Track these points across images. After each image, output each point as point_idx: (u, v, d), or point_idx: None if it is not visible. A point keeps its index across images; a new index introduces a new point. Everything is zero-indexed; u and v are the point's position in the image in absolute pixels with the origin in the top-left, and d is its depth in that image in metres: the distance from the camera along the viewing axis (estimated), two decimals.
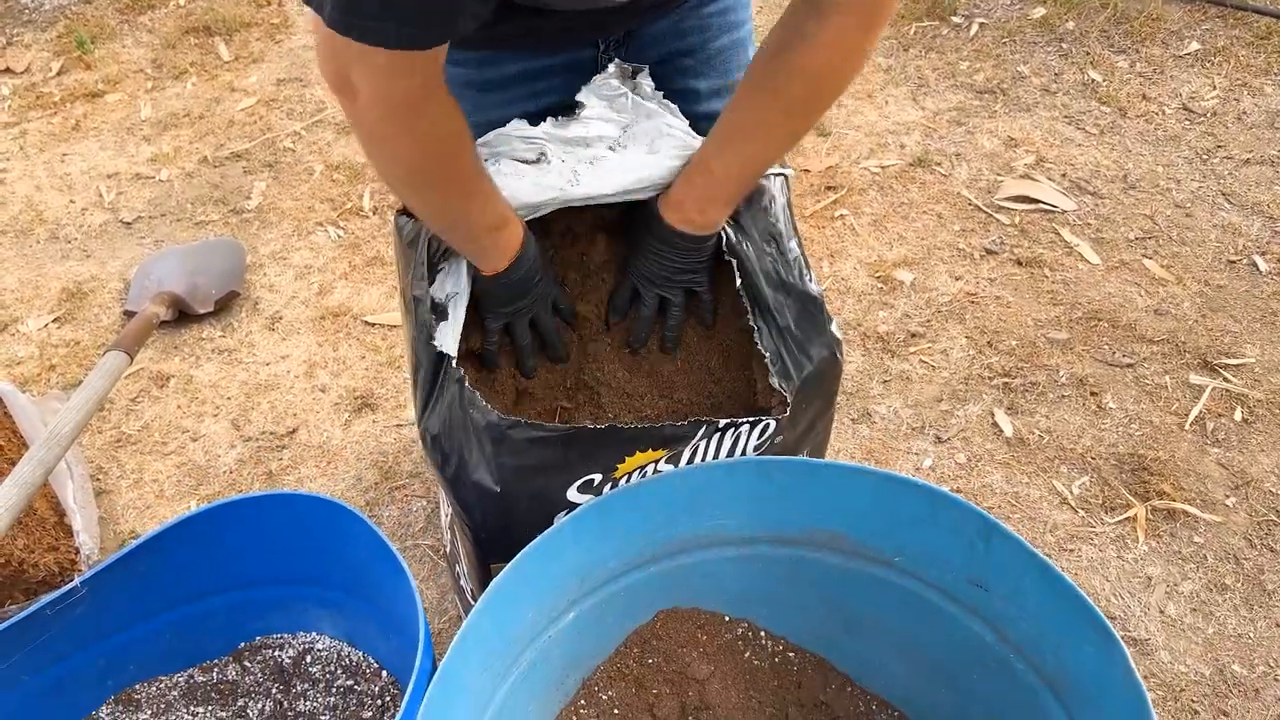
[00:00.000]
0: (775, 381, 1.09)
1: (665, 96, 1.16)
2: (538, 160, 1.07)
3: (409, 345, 1.14)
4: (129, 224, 2.42)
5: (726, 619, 1.25)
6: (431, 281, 1.11)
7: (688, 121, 1.14)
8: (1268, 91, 2.52)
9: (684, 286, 1.14)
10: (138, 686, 1.33)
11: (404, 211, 1.15)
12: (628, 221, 1.16)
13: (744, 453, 1.10)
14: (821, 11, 0.94)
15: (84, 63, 3.02)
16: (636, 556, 1.16)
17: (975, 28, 2.87)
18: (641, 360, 1.20)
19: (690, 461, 1.09)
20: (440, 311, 1.09)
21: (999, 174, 2.38)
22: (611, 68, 1.12)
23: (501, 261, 1.07)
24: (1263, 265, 2.08)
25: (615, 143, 1.09)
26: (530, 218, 1.09)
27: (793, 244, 1.14)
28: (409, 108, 0.89)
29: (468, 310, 1.09)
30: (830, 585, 1.19)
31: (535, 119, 1.18)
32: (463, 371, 1.04)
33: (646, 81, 1.13)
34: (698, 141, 1.10)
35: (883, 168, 2.43)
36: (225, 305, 2.14)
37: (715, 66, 1.23)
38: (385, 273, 2.23)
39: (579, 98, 1.12)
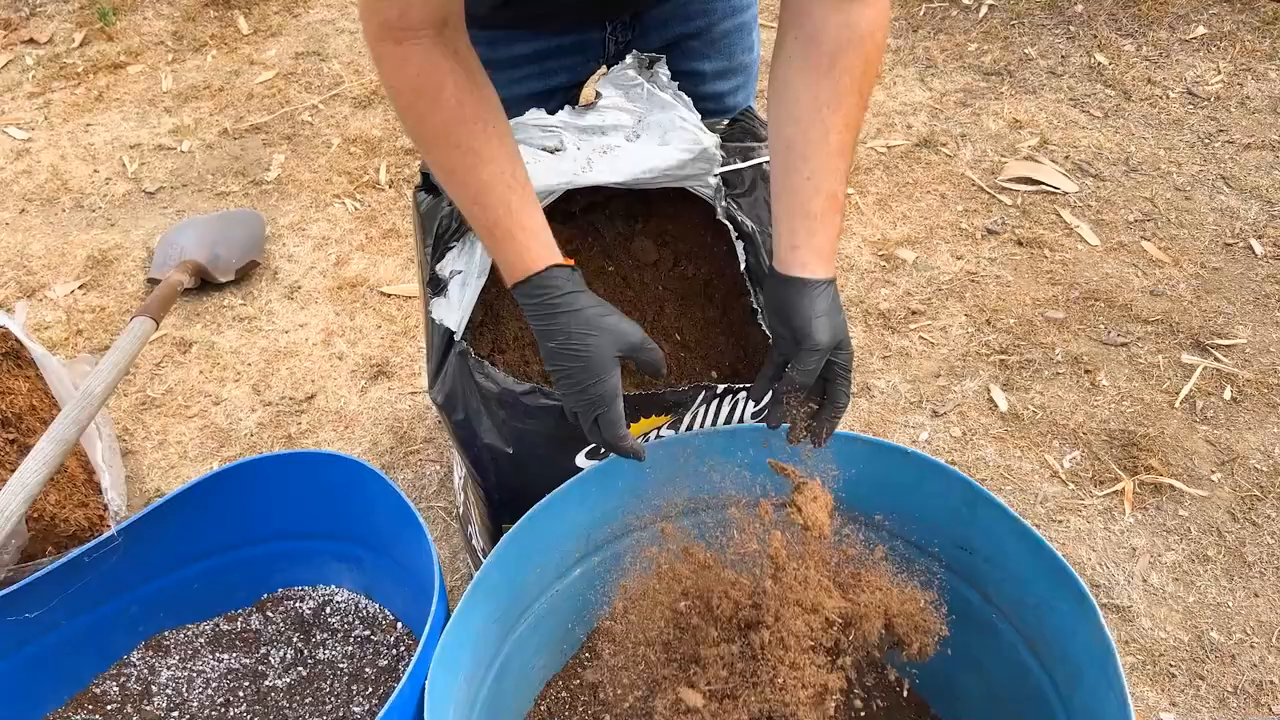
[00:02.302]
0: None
1: (671, 78, 1.20)
2: (555, 150, 1.12)
3: (424, 316, 1.20)
4: (152, 194, 2.48)
5: None
6: (441, 258, 1.16)
7: (697, 103, 1.19)
8: (1271, 76, 2.55)
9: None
10: (167, 633, 1.41)
11: (422, 187, 1.21)
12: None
13: (741, 420, 1.16)
14: None
15: (106, 34, 3.07)
16: (639, 517, 1.22)
17: (984, 9, 2.90)
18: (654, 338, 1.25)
19: (690, 426, 1.15)
20: (440, 287, 1.14)
21: (1003, 155, 2.43)
22: (629, 58, 1.16)
23: (511, 272, 0.98)
24: (1258, 249, 2.13)
25: (630, 133, 1.13)
26: (545, 202, 1.14)
27: None
28: (393, 34, 0.91)
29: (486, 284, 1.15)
30: None
31: (545, 98, 1.23)
32: (465, 344, 1.09)
33: (663, 71, 1.17)
34: (708, 138, 1.14)
35: (889, 148, 2.48)
36: (246, 274, 2.21)
37: (721, 49, 1.28)
38: (400, 244, 2.29)
39: (596, 88, 1.16)
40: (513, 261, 0.97)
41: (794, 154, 0.98)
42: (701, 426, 1.16)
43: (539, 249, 0.97)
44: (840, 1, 0.93)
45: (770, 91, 1.02)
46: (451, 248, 1.15)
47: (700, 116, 1.17)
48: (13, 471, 1.48)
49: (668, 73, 1.17)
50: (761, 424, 1.18)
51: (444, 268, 1.15)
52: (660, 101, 1.15)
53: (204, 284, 2.17)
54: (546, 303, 0.96)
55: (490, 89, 0.97)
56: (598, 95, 1.16)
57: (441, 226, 1.14)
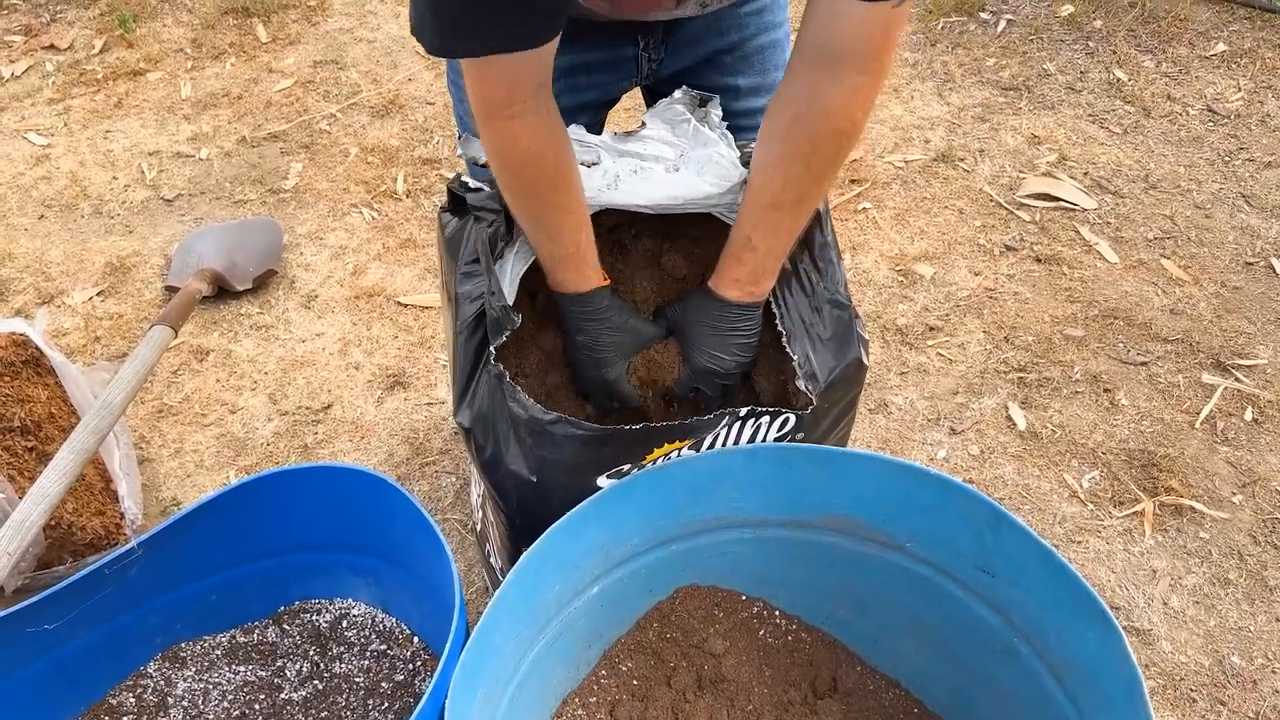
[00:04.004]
0: (802, 384, 1.13)
1: (706, 91, 1.19)
2: (592, 164, 1.11)
3: (448, 338, 1.19)
4: (170, 201, 2.49)
5: (743, 597, 1.31)
6: (467, 281, 1.15)
7: (730, 119, 1.18)
8: None
9: (741, 371, 1.19)
10: (184, 645, 1.41)
11: (446, 208, 1.20)
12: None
13: (765, 440, 1.15)
14: (837, 73, 0.97)
15: (125, 41, 3.09)
16: (658, 535, 1.22)
17: (1003, 24, 2.89)
18: (673, 365, 1.24)
19: (711, 447, 1.15)
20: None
21: (1021, 171, 2.42)
22: (679, 93, 1.16)
23: (563, 287, 1.15)
24: (1279, 268, 2.11)
25: (670, 165, 1.13)
26: None
27: (831, 255, 1.17)
28: (505, 110, 0.99)
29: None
30: (843, 568, 1.25)
31: (572, 114, 1.22)
32: (500, 366, 1.08)
33: (716, 111, 1.16)
34: (739, 173, 1.14)
35: (906, 162, 2.47)
36: (263, 283, 2.21)
37: (754, 64, 1.28)
38: (418, 255, 2.29)
39: (644, 118, 1.16)
40: (570, 281, 1.13)
41: (745, 192, 1.11)
42: (723, 447, 1.16)
43: (591, 274, 1.14)
44: (812, 71, 0.99)
45: None
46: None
47: (735, 138, 1.16)
48: (32, 480, 1.48)
49: (719, 113, 1.16)
50: (782, 444, 1.18)
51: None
52: (704, 138, 1.14)
53: (221, 292, 2.18)
54: (587, 313, 1.15)
55: (569, 139, 1.07)
56: (642, 125, 1.15)
57: (468, 253, 1.14)
